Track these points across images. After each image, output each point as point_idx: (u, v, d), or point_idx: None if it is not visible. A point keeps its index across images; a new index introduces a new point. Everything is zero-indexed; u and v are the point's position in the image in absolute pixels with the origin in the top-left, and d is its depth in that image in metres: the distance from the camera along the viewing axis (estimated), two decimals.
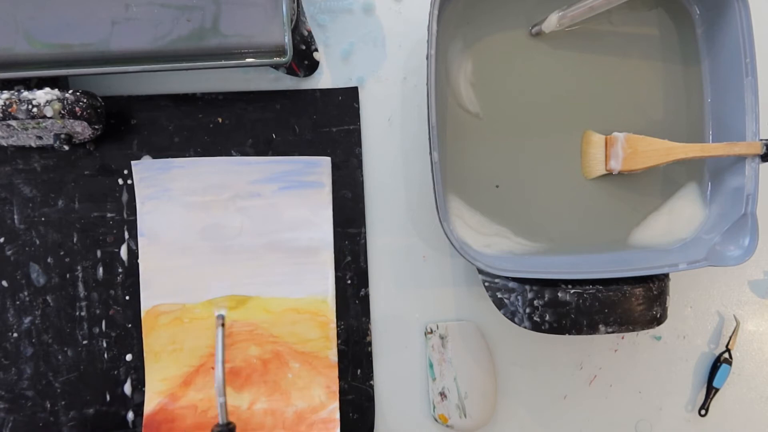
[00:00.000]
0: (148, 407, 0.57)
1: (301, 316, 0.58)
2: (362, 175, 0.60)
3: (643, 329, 0.55)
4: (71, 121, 0.51)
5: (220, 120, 0.59)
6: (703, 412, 0.63)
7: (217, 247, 0.57)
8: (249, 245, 0.58)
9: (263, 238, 0.58)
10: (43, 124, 0.51)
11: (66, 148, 0.54)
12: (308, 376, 0.58)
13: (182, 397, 0.57)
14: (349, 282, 0.60)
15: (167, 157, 0.59)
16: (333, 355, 0.59)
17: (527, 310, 0.53)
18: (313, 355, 0.58)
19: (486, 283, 0.55)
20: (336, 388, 0.58)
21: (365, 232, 0.60)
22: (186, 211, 0.57)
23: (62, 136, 0.53)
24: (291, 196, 0.58)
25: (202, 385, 0.57)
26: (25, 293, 0.58)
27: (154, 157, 0.59)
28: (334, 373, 0.58)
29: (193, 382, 0.57)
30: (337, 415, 0.58)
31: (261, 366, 0.58)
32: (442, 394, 0.60)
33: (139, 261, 0.57)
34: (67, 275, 0.59)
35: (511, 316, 0.54)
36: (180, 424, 0.57)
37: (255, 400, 0.58)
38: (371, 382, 0.60)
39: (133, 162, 0.57)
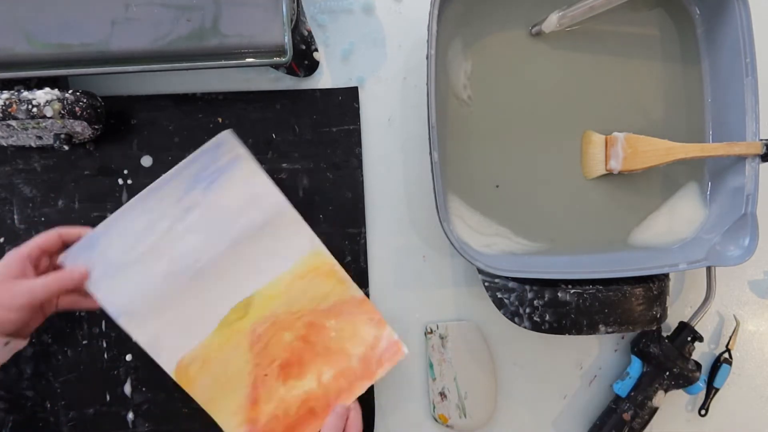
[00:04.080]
0: None
1: (306, 280, 0.56)
2: (362, 175, 0.60)
3: (643, 329, 0.55)
4: (71, 121, 0.51)
5: (220, 120, 0.59)
6: (703, 412, 0.63)
7: (190, 277, 0.54)
8: (216, 255, 0.54)
9: (224, 241, 0.54)
10: (43, 124, 0.51)
11: (66, 148, 0.54)
12: (348, 323, 0.56)
13: (259, 415, 0.55)
14: None
15: (167, 157, 0.59)
16: (355, 290, 0.56)
17: (527, 310, 0.53)
18: (339, 304, 0.56)
19: (486, 283, 0.55)
20: (378, 315, 0.56)
21: (365, 232, 0.60)
22: (140, 267, 0.53)
23: (62, 136, 0.53)
24: (219, 188, 0.54)
25: (268, 395, 0.55)
26: None
27: (154, 157, 0.59)
28: (368, 304, 0.56)
29: (259, 397, 0.55)
30: (396, 336, 0.56)
31: (303, 344, 0.56)
32: (442, 394, 0.60)
33: (134, 341, 0.53)
34: None
35: (511, 316, 0.54)
36: None
37: (320, 375, 0.56)
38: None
39: (60, 257, 0.52)
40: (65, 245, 0.52)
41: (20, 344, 0.50)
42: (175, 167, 0.53)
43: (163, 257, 0.53)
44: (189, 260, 0.53)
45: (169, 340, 0.53)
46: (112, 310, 0.52)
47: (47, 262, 0.52)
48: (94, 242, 0.52)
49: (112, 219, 0.52)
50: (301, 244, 0.56)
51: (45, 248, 0.51)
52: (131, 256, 0.52)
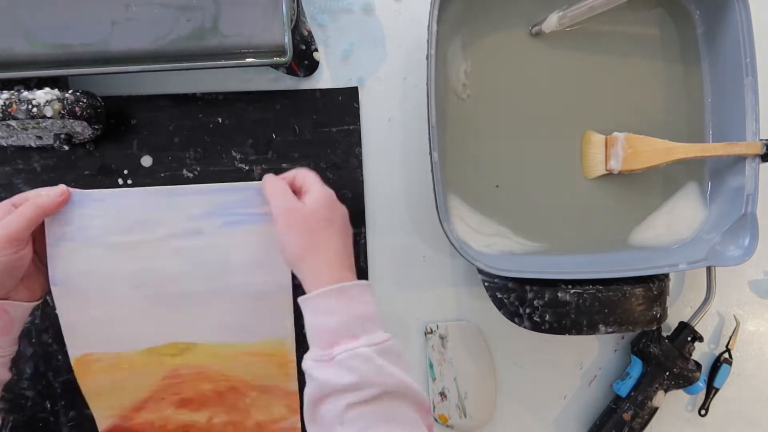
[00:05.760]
0: (102, 426, 0.54)
1: (255, 359, 0.53)
2: (362, 175, 0.60)
3: (643, 329, 0.55)
4: (71, 121, 0.51)
5: (220, 120, 0.59)
6: (703, 412, 0.63)
7: (149, 297, 0.50)
8: (190, 291, 0.50)
9: (206, 284, 0.50)
10: (43, 124, 0.51)
11: (66, 148, 0.54)
12: (267, 400, 0.55)
13: (135, 418, 0.54)
14: None
15: (167, 157, 0.59)
16: (293, 385, 0.55)
17: (527, 310, 0.53)
18: (272, 387, 0.55)
19: (486, 283, 0.55)
20: (297, 406, 0.56)
21: (365, 232, 0.60)
22: (109, 255, 0.48)
23: (62, 136, 0.53)
24: (238, 233, 0.49)
25: (155, 410, 0.53)
26: None
27: (154, 157, 0.59)
28: (295, 396, 0.55)
29: (145, 408, 0.53)
30: (299, 425, 0.56)
31: (216, 396, 0.54)
32: (442, 394, 0.60)
33: (57, 312, 0.50)
34: None
35: (511, 316, 0.54)
36: None
37: (213, 416, 0.55)
38: None
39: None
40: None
41: (23, 309, 0.48)
42: (206, 185, 0.50)
43: (136, 259, 0.49)
44: (159, 280, 0.50)
45: (89, 334, 0.51)
46: (53, 272, 0.48)
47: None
48: (88, 200, 0.49)
49: (120, 192, 0.50)
50: (274, 328, 0.53)
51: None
52: (109, 239, 0.49)
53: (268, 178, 0.50)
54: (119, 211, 0.49)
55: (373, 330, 0.44)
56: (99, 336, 0.51)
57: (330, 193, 0.49)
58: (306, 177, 0.50)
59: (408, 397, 0.43)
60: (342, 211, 0.50)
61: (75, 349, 0.51)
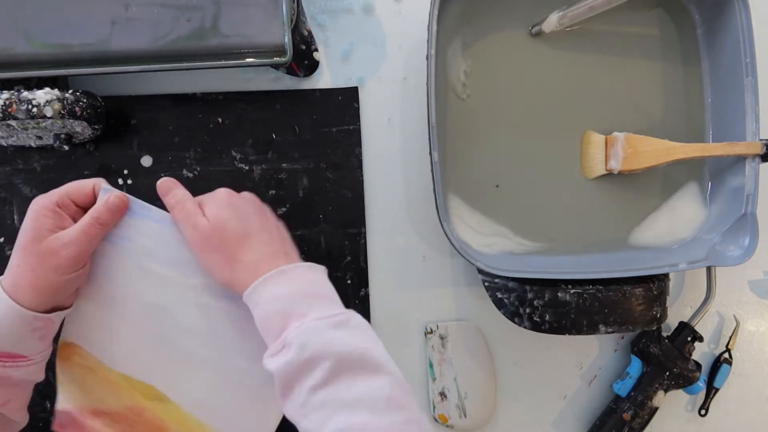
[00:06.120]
0: (59, 405, 0.50)
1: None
2: (362, 175, 0.60)
3: (643, 329, 0.55)
4: (71, 121, 0.51)
5: (220, 120, 0.59)
6: (703, 412, 0.63)
7: (156, 333, 0.48)
8: (191, 350, 0.48)
9: (213, 353, 0.48)
10: (43, 124, 0.51)
11: (66, 148, 0.54)
12: None
13: (88, 420, 0.49)
14: (349, 282, 0.60)
15: (167, 157, 0.58)
16: None
17: (527, 310, 0.53)
18: None
19: (486, 283, 0.55)
20: None
21: (365, 232, 0.60)
22: (138, 276, 0.47)
23: (62, 136, 0.53)
24: None
25: (108, 424, 0.49)
26: None
27: (154, 157, 0.59)
28: None
29: (99, 417, 0.49)
30: None
31: None
32: (442, 394, 0.60)
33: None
34: None
35: (511, 316, 0.54)
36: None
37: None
38: None
39: (104, 186, 0.47)
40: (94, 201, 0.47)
41: (64, 315, 0.47)
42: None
43: (162, 294, 0.48)
44: (172, 325, 0.48)
45: (86, 329, 0.49)
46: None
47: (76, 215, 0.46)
48: (145, 214, 0.47)
49: (168, 218, 0.47)
50: (255, 428, 0.49)
51: (75, 199, 0.46)
52: (143, 262, 0.47)
53: (171, 202, 0.47)
54: (169, 240, 0.47)
55: (323, 306, 0.41)
56: (93, 336, 0.49)
57: (225, 192, 0.47)
58: (186, 197, 0.47)
59: (369, 367, 0.39)
60: (248, 199, 0.47)
61: (66, 334, 0.49)
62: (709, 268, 0.60)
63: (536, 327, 0.53)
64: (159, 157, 0.59)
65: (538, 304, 0.53)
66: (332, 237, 0.59)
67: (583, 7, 0.54)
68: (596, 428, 0.60)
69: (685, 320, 0.60)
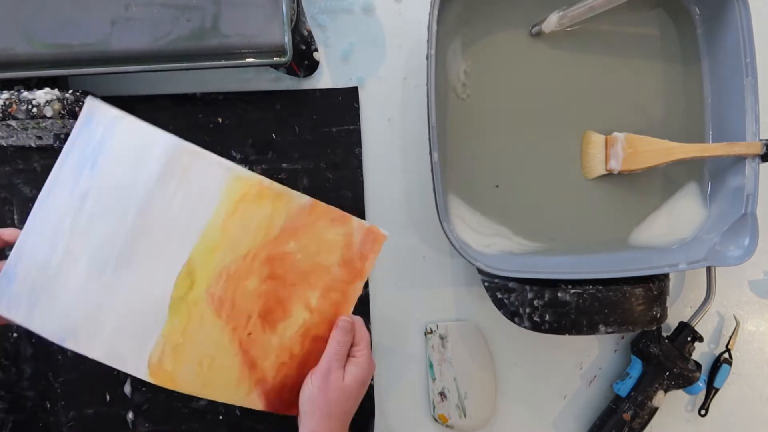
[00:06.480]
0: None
1: (239, 214, 0.47)
2: (362, 175, 0.60)
3: (643, 329, 0.55)
4: (71, 121, 0.51)
5: (220, 120, 0.59)
6: (703, 412, 0.63)
7: (114, 268, 0.46)
8: (129, 232, 0.46)
9: (130, 213, 0.46)
10: (43, 124, 0.51)
11: None
12: (310, 237, 0.49)
13: (265, 372, 0.48)
14: None
15: None
16: (299, 197, 0.48)
17: (527, 310, 0.53)
18: (289, 221, 0.48)
19: (486, 283, 0.55)
20: (337, 212, 0.49)
21: None
22: (63, 279, 0.46)
23: (62, 136, 0.53)
24: (106, 161, 0.46)
25: (263, 351, 0.48)
26: None
27: None
28: (320, 206, 0.49)
29: (255, 358, 0.48)
30: (367, 223, 0.50)
31: (273, 283, 0.48)
32: (442, 394, 0.60)
33: (92, 358, 0.47)
34: None
35: (511, 316, 0.54)
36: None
37: (307, 302, 0.49)
38: (371, 382, 0.60)
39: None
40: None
41: None
42: (57, 160, 0.47)
43: (79, 258, 0.46)
44: (105, 250, 0.46)
45: (126, 345, 0.47)
46: (54, 337, 0.46)
47: None
48: (11, 274, 0.46)
49: (19, 243, 0.47)
50: (215, 177, 0.47)
51: None
52: (48, 272, 0.46)
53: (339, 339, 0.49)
54: (33, 251, 0.47)
55: None
56: (133, 338, 0.47)
57: (371, 368, 0.50)
58: (362, 337, 0.50)
59: None
60: (366, 380, 0.49)
61: (139, 369, 0.47)
62: (709, 268, 0.60)
63: (536, 327, 0.53)
64: None
65: (538, 304, 0.53)
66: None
67: (583, 7, 0.55)
68: (596, 428, 0.60)
69: (685, 320, 0.60)
